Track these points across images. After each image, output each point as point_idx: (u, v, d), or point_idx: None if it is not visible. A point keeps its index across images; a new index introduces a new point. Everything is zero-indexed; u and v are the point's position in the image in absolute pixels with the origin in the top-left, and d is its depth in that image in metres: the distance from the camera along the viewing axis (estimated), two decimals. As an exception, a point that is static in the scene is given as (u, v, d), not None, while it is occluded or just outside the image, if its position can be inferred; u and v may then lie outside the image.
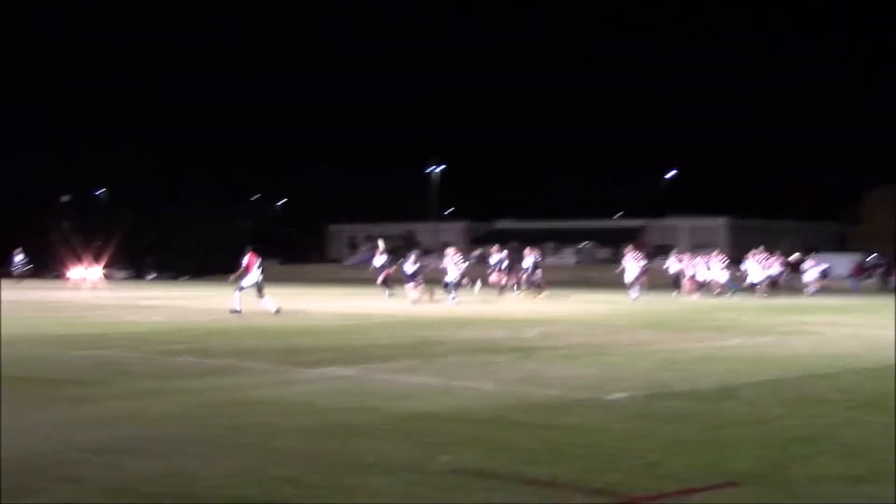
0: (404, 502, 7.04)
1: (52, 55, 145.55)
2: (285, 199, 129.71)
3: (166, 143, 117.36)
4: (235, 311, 26.60)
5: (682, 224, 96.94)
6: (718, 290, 44.30)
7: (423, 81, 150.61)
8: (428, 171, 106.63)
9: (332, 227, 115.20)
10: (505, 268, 42.96)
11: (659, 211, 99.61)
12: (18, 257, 57.55)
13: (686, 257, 47.23)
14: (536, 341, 19.57)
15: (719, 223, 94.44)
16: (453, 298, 34.11)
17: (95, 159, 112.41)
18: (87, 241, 73.17)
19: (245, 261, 28.17)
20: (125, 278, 72.72)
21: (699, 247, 68.31)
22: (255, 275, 27.82)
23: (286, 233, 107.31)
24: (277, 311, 26.80)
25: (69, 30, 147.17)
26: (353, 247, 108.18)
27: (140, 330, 21.89)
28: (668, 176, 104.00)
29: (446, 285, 35.20)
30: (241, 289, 27.59)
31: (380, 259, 37.88)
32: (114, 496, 7.16)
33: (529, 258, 42.60)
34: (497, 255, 42.90)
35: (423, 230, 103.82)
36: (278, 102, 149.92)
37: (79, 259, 65.22)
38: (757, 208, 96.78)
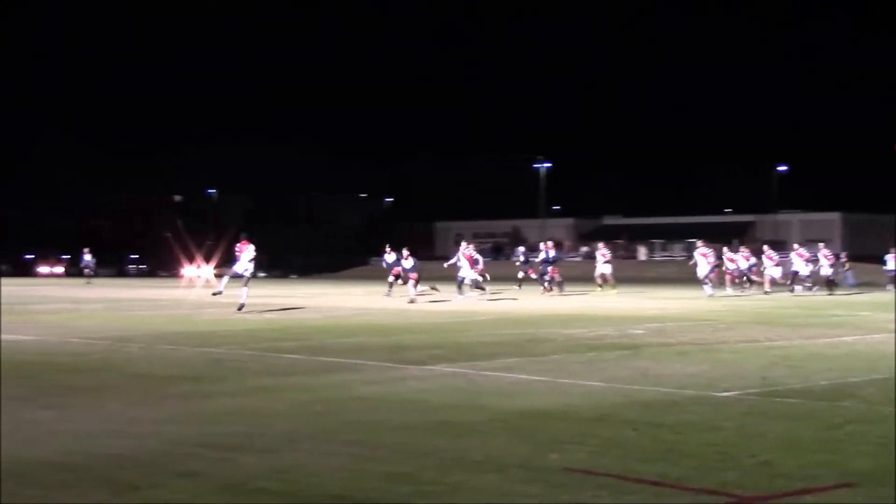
0: (514, 500, 7.00)
1: (157, 56, 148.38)
2: (392, 197, 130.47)
3: (272, 142, 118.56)
4: (217, 293, 27.43)
5: (794, 219, 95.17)
6: (791, 284, 42.70)
7: (532, 79, 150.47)
8: (535, 167, 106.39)
9: (440, 224, 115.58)
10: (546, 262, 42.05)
11: (770, 206, 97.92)
12: (87, 257, 58.06)
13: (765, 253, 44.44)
14: (645, 338, 19.36)
15: (833, 218, 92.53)
16: (464, 296, 34.20)
17: (208, 159, 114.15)
18: (199, 240, 74.50)
19: (238, 247, 28.22)
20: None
21: (811, 242, 67.00)
22: (244, 263, 27.73)
23: (393, 229, 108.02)
24: (240, 308, 26.91)
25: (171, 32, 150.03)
26: (460, 244, 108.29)
27: (251, 327, 22.18)
28: (779, 170, 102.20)
29: (461, 282, 35.29)
30: (235, 275, 27.87)
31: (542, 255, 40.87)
32: (226, 491, 7.22)
33: (542, 253, 41.89)
34: (545, 252, 42.57)
35: (530, 227, 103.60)
36: (384, 97, 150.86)
37: (191, 257, 66.39)
38: (871, 203, 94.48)
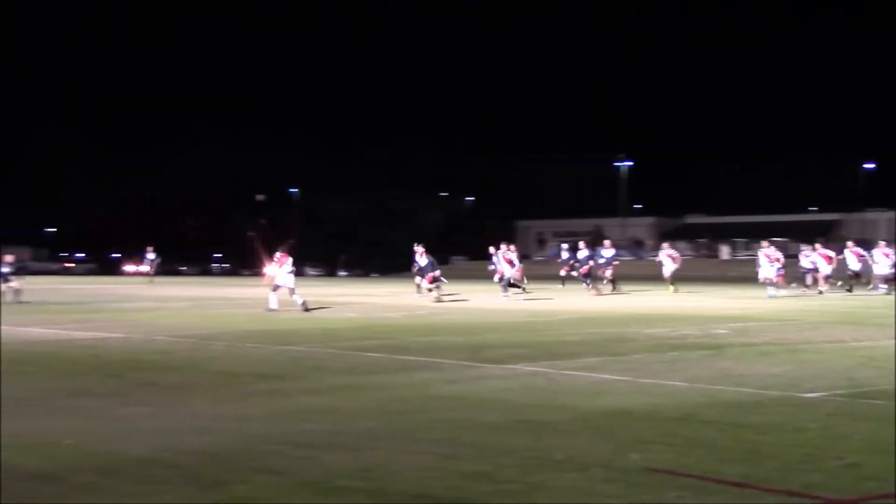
0: (595, 500, 6.97)
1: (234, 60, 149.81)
2: (473, 196, 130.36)
3: (353, 141, 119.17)
4: (272, 310, 27.22)
5: (882, 217, 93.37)
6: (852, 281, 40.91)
7: (612, 77, 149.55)
8: (616, 165, 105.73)
9: (521, 223, 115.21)
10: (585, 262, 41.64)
11: (856, 204, 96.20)
12: (151, 255, 58.12)
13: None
14: (728, 338, 19.14)
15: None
16: (505, 296, 34.03)
17: (290, 159, 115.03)
18: (281, 239, 75.16)
19: (278, 259, 28.77)
20: (317, 275, 74.36)
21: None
22: (284, 276, 28.24)
23: (475, 229, 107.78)
24: (305, 309, 27.12)
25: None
26: (541, 243, 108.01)
27: (332, 326, 22.32)
28: (866, 167, 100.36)
29: (501, 281, 35.11)
30: (277, 288, 28.18)
31: (582, 253, 40.63)
32: (309, 488, 7.28)
33: (584, 251, 41.43)
34: (586, 251, 42.20)
35: (611, 226, 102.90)
36: (464, 97, 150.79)
37: (273, 256, 66.98)
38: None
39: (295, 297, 27.71)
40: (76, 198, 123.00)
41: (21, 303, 31.04)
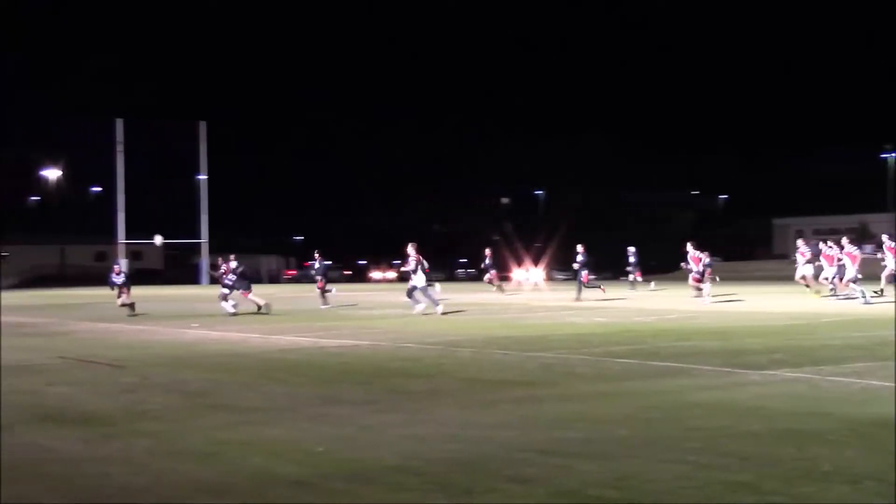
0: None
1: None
2: (727, 194, 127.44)
3: (596, 140, 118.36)
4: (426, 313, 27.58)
5: None
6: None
7: (875, 62, 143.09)
8: (883, 157, 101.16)
9: (778, 221, 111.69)
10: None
11: None
12: (318, 262, 56.77)
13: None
14: None
15: None
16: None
17: (534, 161, 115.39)
18: (527, 243, 75.32)
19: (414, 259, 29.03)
20: (565, 279, 74.14)
21: None
22: (419, 278, 28.58)
23: (730, 228, 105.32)
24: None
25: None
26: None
27: (581, 331, 22.04)
28: None
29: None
30: (414, 289, 28.61)
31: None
32: (560, 498, 7.09)
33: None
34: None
35: (878, 221, 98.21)
36: (714, 92, 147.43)
37: (520, 261, 67.19)
38: None
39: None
40: (321, 206, 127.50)
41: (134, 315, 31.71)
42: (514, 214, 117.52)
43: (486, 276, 47.15)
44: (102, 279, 37.22)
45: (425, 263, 29.23)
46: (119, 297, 32.54)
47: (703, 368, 14.43)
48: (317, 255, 37.63)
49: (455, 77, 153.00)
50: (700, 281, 33.30)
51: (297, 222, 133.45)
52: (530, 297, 35.88)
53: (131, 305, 32.11)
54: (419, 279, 28.86)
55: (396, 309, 33.30)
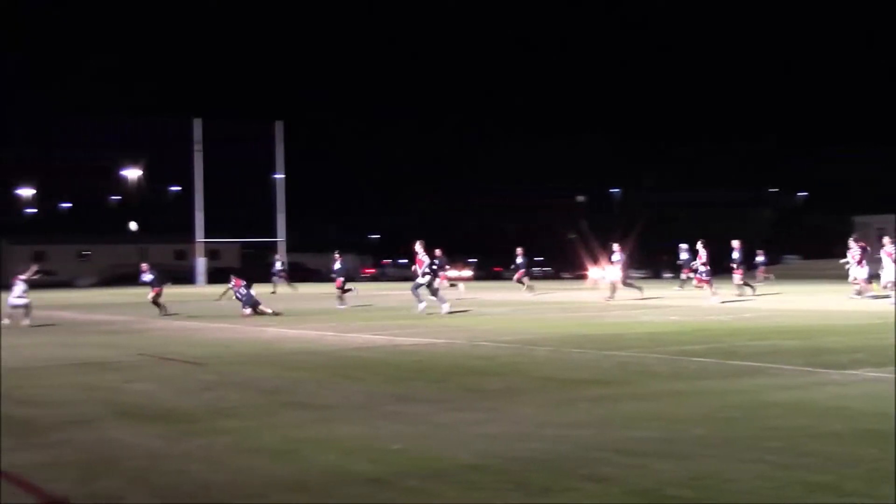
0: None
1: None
2: (806, 191, 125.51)
3: (674, 138, 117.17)
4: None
5: None
6: None
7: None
8: None
9: (858, 219, 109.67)
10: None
11: None
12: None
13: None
14: None
15: None
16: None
17: (613, 158, 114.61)
18: (603, 241, 74.87)
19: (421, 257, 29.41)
20: (641, 278, 73.64)
21: None
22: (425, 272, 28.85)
23: (809, 226, 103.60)
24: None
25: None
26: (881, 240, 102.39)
27: (656, 330, 21.86)
28: None
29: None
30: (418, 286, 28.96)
31: None
32: (638, 497, 7.05)
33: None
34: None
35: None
36: (788, 86, 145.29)
37: (596, 259, 66.79)
38: None
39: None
40: (397, 205, 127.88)
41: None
42: (590, 212, 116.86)
43: (515, 276, 47.02)
44: (182, 278, 37.70)
45: (428, 260, 29.09)
46: (152, 294, 33.03)
47: (782, 368, 14.23)
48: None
49: (511, 76, 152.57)
50: (707, 282, 32.83)
51: (374, 221, 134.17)
52: (606, 297, 35.61)
53: (160, 305, 32.55)
54: (424, 277, 28.67)
55: (471, 307, 33.32)
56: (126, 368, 16.01)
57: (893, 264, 32.03)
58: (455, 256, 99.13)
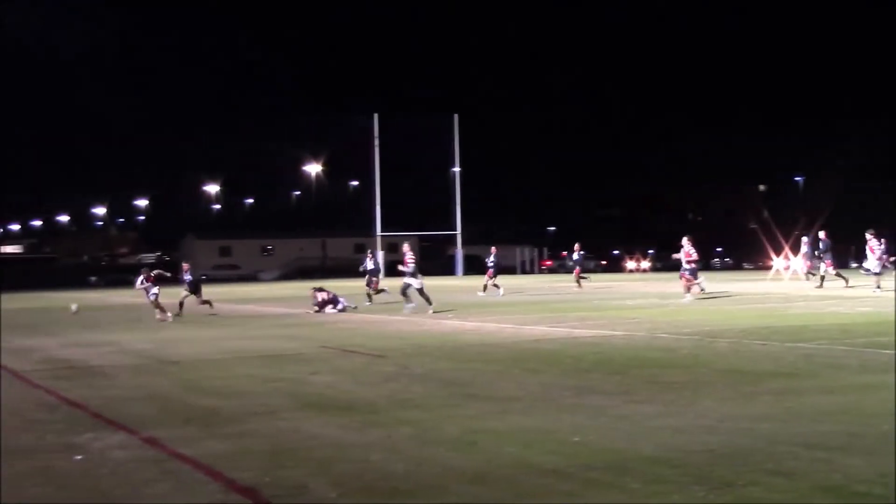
0: None
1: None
2: None
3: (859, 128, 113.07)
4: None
5: None
6: None
7: None
8: None
9: None
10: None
11: None
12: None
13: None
14: None
15: None
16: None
17: (793, 146, 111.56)
18: (786, 231, 72.96)
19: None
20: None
21: None
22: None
23: None
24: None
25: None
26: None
27: (843, 321, 21.22)
28: None
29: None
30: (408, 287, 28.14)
31: None
32: (825, 493, 6.89)
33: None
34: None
35: None
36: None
37: (779, 249, 65.23)
38: None
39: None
40: (573, 196, 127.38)
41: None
42: (772, 201, 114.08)
43: (574, 273, 46.79)
44: (362, 271, 38.17)
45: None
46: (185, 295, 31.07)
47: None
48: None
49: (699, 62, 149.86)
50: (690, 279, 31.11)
51: (550, 213, 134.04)
52: (791, 287, 34.75)
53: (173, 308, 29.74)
54: (413, 279, 27.99)
55: (651, 299, 32.96)
56: (308, 360, 16.37)
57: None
58: (634, 248, 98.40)
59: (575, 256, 47.70)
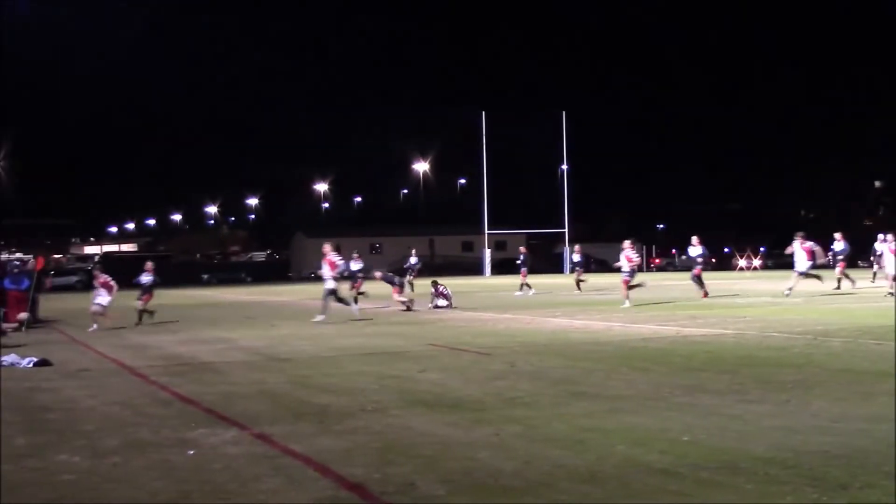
0: None
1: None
2: None
3: None
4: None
5: None
6: None
7: None
8: None
9: None
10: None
11: None
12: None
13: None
14: None
15: None
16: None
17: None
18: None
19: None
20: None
21: None
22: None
23: None
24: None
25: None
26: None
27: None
28: None
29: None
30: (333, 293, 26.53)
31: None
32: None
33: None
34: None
35: None
36: None
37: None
38: None
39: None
40: (681, 193, 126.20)
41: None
42: (890, 197, 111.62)
43: (575, 275, 44.86)
44: (470, 268, 38.29)
45: (341, 265, 27.33)
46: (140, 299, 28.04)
47: None
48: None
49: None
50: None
51: (658, 210, 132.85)
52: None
53: (147, 312, 27.76)
54: (331, 283, 26.65)
55: (762, 297, 32.47)
56: (417, 358, 16.44)
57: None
58: (745, 245, 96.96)
59: (576, 258, 45.33)
